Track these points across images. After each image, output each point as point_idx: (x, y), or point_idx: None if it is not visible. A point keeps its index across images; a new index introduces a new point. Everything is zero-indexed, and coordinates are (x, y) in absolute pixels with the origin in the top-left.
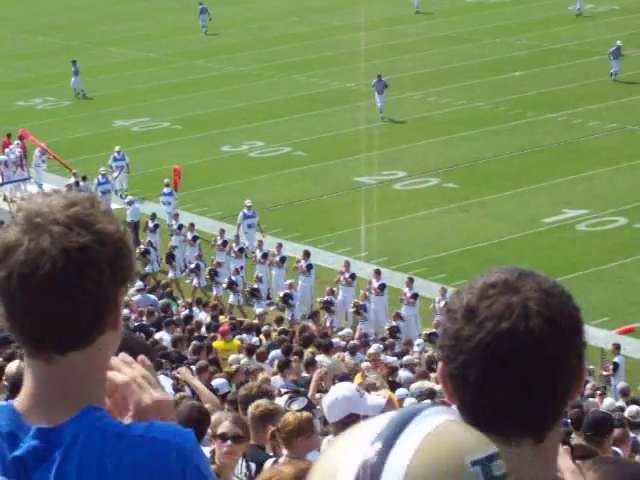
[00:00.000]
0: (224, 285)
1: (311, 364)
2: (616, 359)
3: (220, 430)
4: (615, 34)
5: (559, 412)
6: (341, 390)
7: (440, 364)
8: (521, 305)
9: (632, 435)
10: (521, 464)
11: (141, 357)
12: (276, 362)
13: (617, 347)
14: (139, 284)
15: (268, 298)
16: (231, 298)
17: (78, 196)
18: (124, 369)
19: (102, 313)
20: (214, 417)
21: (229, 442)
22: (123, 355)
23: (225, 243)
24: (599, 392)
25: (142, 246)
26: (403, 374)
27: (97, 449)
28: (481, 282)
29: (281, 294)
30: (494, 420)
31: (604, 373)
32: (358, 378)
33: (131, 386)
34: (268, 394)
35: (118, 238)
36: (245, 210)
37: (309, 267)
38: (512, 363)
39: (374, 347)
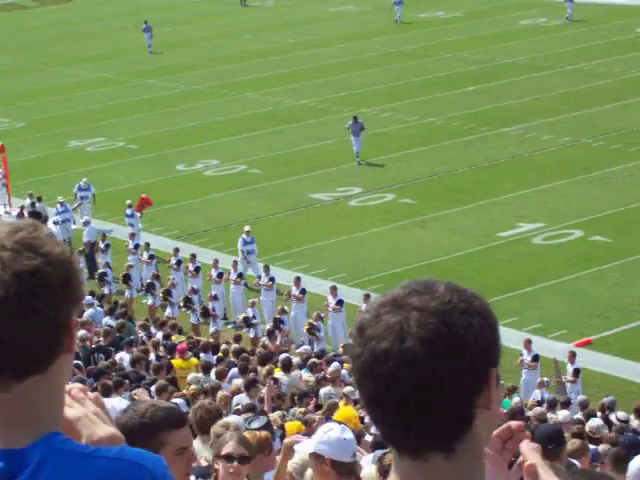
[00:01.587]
0: (180, 304)
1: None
2: (575, 366)
3: (225, 450)
4: (566, 48)
5: (460, 426)
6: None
7: None
8: (399, 325)
9: (592, 446)
10: (433, 478)
11: (94, 394)
12: (238, 381)
13: (573, 354)
14: (93, 302)
15: (225, 318)
16: (192, 317)
17: (21, 222)
18: (75, 405)
19: (58, 335)
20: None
21: (235, 463)
22: (76, 391)
23: (179, 263)
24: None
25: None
26: None
27: (68, 470)
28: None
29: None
30: (393, 437)
31: (565, 380)
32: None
33: (83, 420)
34: (217, 413)
35: (65, 259)
36: (244, 236)
37: (272, 280)
38: (389, 383)
39: (333, 365)
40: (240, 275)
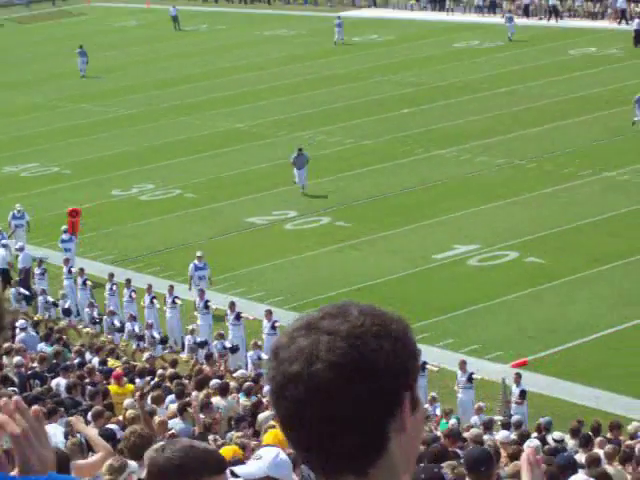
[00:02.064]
0: (117, 330)
1: (206, 406)
2: (521, 387)
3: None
4: (500, 70)
5: (373, 450)
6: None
7: None
8: (309, 348)
9: None
10: None
11: (35, 408)
12: (173, 406)
13: (519, 376)
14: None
15: (162, 342)
16: (132, 344)
17: None
18: (10, 423)
19: None
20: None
21: None
22: (14, 407)
23: (114, 288)
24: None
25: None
26: None
27: None
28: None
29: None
30: (307, 459)
31: (513, 401)
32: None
33: (19, 439)
34: (150, 438)
35: None
36: (196, 262)
37: (206, 305)
38: (299, 406)
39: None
40: (174, 300)
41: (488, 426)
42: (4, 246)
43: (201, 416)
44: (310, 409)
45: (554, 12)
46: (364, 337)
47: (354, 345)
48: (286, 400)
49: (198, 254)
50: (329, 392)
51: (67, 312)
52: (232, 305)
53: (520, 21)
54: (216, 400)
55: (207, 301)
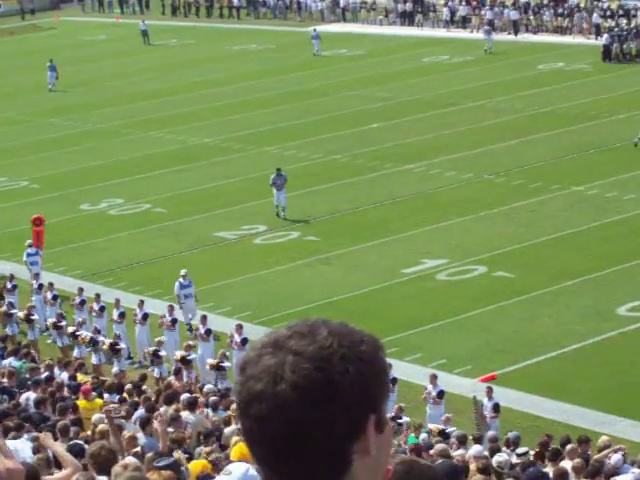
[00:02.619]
0: (85, 345)
1: (175, 420)
2: (494, 401)
3: None
4: (468, 85)
5: (335, 472)
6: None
7: None
8: (274, 368)
9: None
10: None
11: None
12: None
13: (490, 390)
14: None
15: (129, 357)
16: (93, 358)
17: None
18: None
19: None
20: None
21: None
22: None
23: (83, 302)
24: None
25: (4, 308)
26: None
27: None
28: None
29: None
30: (270, 477)
31: (488, 416)
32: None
33: None
34: (115, 454)
35: None
36: (181, 280)
37: (174, 322)
38: (262, 425)
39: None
40: (145, 316)
41: (461, 440)
42: None
43: (170, 430)
44: (272, 427)
45: (514, 27)
46: (330, 359)
47: (319, 367)
48: (249, 417)
49: (182, 272)
50: (292, 412)
51: (34, 327)
52: (203, 319)
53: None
54: (185, 415)
55: (175, 319)
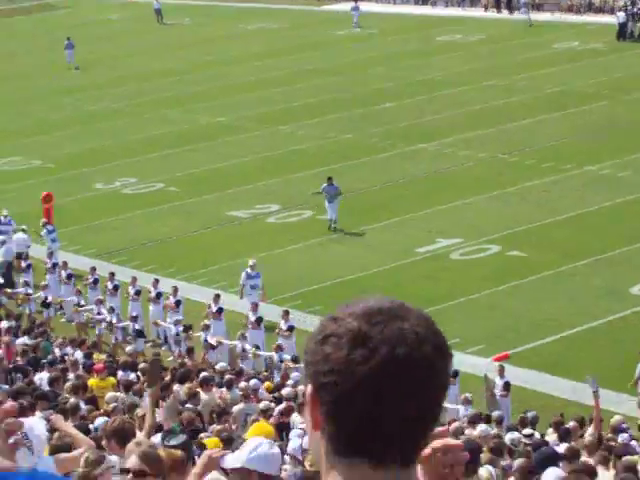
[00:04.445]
0: (104, 324)
1: (192, 399)
2: (505, 379)
3: (126, 464)
4: (482, 64)
5: (428, 437)
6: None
7: (310, 391)
8: (412, 332)
9: (507, 462)
10: None
11: (8, 405)
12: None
13: (502, 368)
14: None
15: (144, 336)
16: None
17: None
18: None
19: None
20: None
21: (130, 476)
22: None
23: (96, 281)
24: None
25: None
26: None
27: None
28: (363, 308)
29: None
30: (370, 445)
31: (497, 394)
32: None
33: None
34: (133, 430)
35: None
36: (248, 270)
37: (178, 303)
38: (405, 388)
39: (252, 382)
40: (158, 295)
41: (473, 420)
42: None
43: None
44: (411, 391)
45: (507, 5)
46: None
47: (441, 331)
48: (383, 383)
49: (250, 263)
50: (435, 373)
51: (46, 305)
52: (216, 298)
53: (503, 15)
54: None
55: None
